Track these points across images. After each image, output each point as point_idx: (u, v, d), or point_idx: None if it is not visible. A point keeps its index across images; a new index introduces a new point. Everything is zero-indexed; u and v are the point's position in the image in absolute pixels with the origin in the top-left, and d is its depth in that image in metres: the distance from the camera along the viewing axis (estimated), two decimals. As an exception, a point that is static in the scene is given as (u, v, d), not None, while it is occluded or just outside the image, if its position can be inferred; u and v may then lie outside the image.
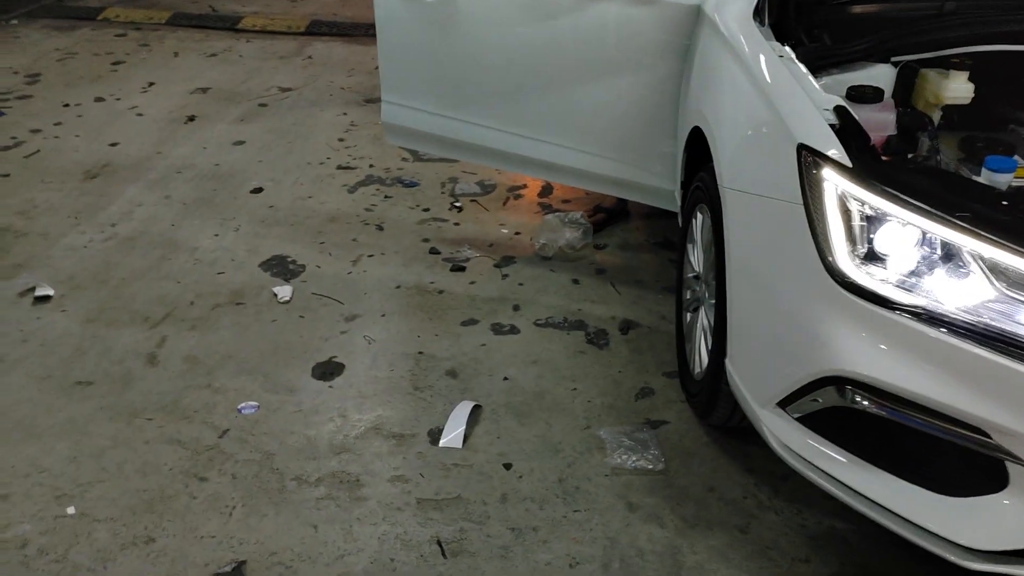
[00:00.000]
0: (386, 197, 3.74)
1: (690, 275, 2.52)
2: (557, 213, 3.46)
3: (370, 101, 4.80)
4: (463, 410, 2.42)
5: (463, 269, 3.19)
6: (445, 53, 2.93)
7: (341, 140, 4.32)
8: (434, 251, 3.31)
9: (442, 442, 2.32)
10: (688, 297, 2.54)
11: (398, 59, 3.01)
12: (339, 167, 4.02)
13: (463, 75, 2.95)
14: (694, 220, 2.48)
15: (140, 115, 4.61)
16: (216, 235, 3.41)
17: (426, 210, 3.63)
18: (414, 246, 3.34)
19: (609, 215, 3.49)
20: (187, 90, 4.97)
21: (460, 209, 3.64)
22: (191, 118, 4.57)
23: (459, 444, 2.32)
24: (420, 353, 2.71)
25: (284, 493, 2.17)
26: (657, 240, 3.39)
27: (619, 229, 3.48)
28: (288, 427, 2.40)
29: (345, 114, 4.64)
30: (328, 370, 2.63)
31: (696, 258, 2.46)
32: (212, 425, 2.40)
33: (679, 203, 2.74)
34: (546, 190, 3.78)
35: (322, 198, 3.72)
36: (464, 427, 2.36)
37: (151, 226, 3.49)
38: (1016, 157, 1.86)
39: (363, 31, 6.03)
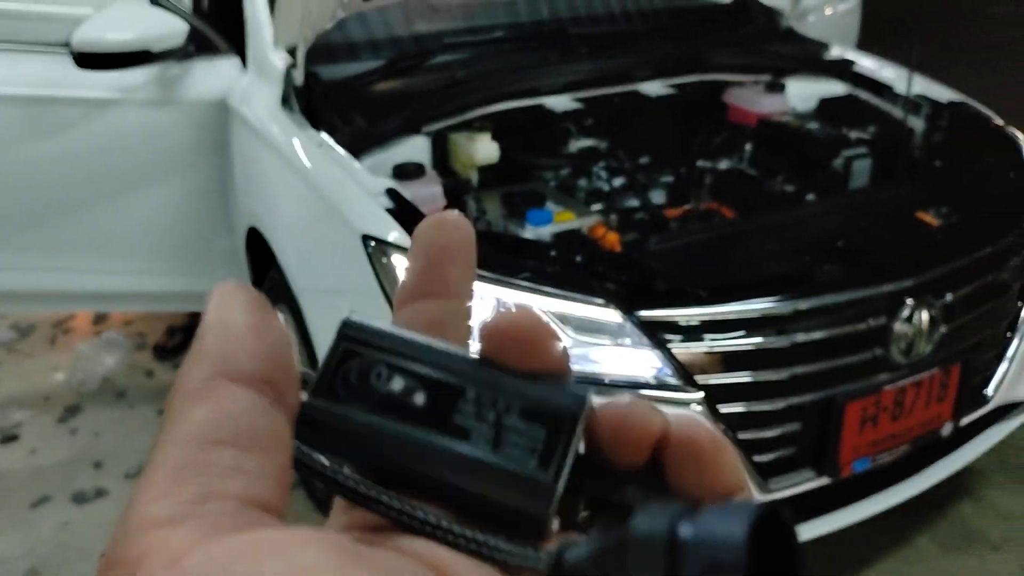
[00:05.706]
0: None
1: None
2: (90, 339, 3.07)
3: None
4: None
5: (16, 438, 2.65)
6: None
7: None
8: (-29, 426, 2.71)
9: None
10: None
11: None
12: None
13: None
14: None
15: None
16: None
17: (-53, 377, 2.96)
18: (-59, 428, 2.69)
19: (187, 333, 3.17)
20: None
21: (-5, 364, 3.04)
22: None
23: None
24: (-18, 561, 2.18)
25: None
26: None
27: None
28: None
29: None
30: None
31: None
32: None
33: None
34: (100, 315, 3.33)
35: None
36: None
37: None
38: (548, 205, 2.04)
39: None
